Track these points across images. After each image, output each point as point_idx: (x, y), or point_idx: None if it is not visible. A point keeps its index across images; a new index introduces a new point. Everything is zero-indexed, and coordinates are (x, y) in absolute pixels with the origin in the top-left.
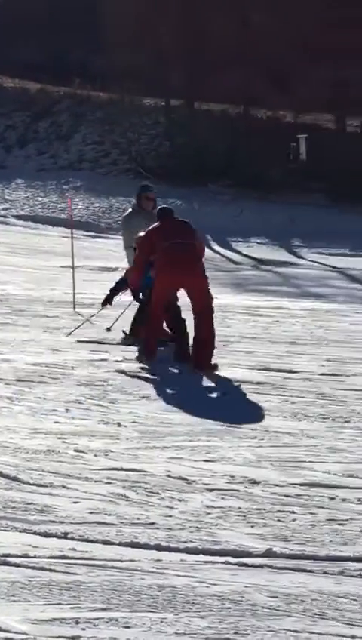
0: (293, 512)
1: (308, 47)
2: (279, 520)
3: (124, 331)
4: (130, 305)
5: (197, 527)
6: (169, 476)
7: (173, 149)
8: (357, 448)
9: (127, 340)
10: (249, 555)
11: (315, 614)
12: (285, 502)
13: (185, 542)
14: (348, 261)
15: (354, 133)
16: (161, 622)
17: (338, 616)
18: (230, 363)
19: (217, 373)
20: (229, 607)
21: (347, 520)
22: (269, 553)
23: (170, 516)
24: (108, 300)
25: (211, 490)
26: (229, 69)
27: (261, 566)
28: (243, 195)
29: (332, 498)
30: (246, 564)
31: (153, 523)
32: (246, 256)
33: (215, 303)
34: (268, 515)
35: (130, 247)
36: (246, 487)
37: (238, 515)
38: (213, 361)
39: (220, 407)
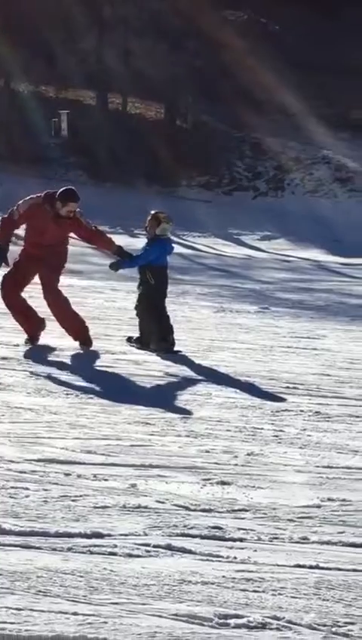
0: (27, 489)
1: (71, 21)
2: (11, 497)
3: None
4: None
5: None
6: None
7: None
8: (97, 425)
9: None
10: None
11: (39, 591)
12: (19, 478)
13: None
14: None
15: (115, 110)
16: None
17: (63, 592)
18: None
19: None
20: None
21: (80, 496)
22: None
23: None
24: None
25: None
26: None
27: None
28: (2, 169)
29: (67, 474)
30: None
31: None
32: None
33: None
34: (0, 492)
35: None
36: None
37: None
38: None
39: None
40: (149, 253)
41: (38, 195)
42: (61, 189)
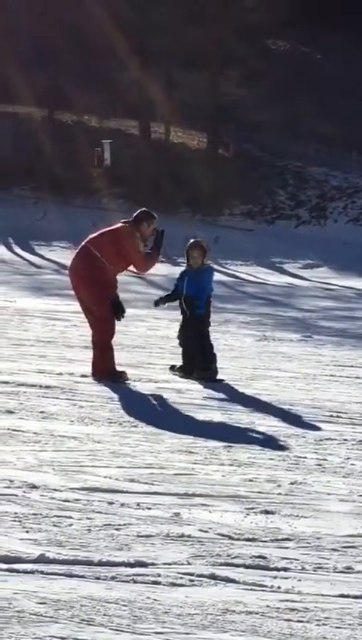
0: (70, 517)
1: (114, 52)
2: (55, 525)
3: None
4: None
5: None
6: None
7: None
8: (140, 453)
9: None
10: (20, 560)
11: (83, 620)
12: (63, 507)
13: None
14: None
15: (158, 139)
16: None
17: (107, 622)
18: (19, 368)
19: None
20: None
21: (124, 525)
22: (42, 559)
23: None
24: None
25: None
26: (35, 71)
27: (32, 572)
28: (47, 198)
29: (111, 503)
30: (17, 570)
31: None
32: (48, 260)
33: (14, 306)
34: (44, 520)
35: None
36: (24, 492)
37: (14, 520)
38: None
39: (4, 412)
40: (208, 286)
41: (122, 226)
42: (135, 214)
